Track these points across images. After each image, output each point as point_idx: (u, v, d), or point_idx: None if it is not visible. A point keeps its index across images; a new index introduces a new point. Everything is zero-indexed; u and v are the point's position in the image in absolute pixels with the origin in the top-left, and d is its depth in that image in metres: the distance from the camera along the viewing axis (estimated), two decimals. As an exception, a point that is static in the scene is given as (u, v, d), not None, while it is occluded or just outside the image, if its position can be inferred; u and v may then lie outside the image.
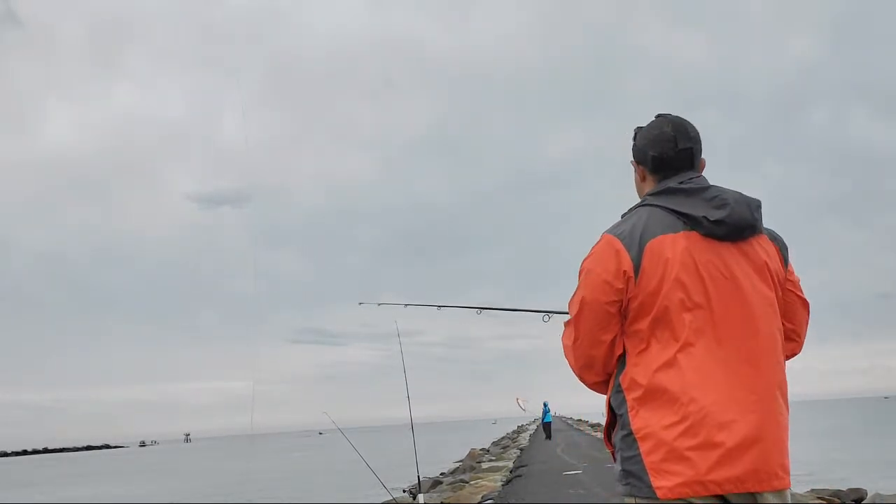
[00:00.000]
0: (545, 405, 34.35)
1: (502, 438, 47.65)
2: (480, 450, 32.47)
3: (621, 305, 1.92)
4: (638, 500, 1.85)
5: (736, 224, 1.92)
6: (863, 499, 13.17)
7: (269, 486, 28.18)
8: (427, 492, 16.24)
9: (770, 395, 1.85)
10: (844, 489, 13.72)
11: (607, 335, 1.95)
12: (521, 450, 27.73)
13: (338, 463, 37.03)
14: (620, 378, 1.93)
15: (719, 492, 1.76)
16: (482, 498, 12.51)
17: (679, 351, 1.86)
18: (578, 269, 2.01)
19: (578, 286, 1.99)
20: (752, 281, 1.92)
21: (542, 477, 14.16)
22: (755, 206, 1.97)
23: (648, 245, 1.90)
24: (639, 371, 1.89)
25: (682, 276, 1.87)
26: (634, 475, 1.85)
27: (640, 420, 1.87)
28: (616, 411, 1.95)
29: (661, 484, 1.79)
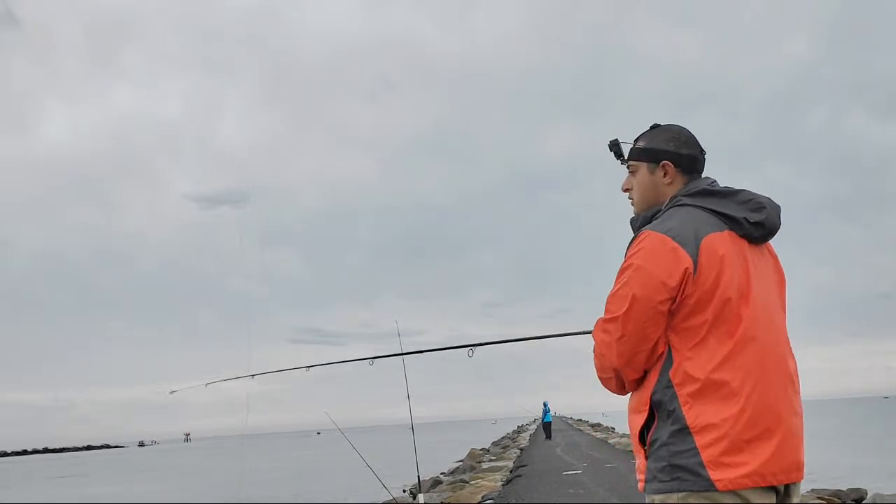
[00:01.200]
0: (545, 405, 34.35)
1: (502, 438, 47.68)
2: (480, 450, 32.48)
3: (672, 303, 1.93)
4: (681, 497, 1.85)
5: (771, 228, 2.06)
6: (863, 499, 13.17)
7: (269, 486, 28.18)
8: (427, 492, 16.24)
9: (797, 393, 2.00)
10: (844, 489, 13.72)
11: (656, 332, 1.94)
12: (522, 450, 27.76)
13: (338, 463, 37.04)
14: (671, 373, 1.92)
15: (773, 482, 1.85)
16: (482, 498, 12.52)
17: (736, 345, 1.91)
18: (623, 264, 1.99)
19: (625, 282, 1.95)
20: (774, 282, 2.08)
21: (542, 477, 14.17)
22: (779, 211, 2.09)
23: (704, 241, 1.94)
24: (694, 365, 1.90)
25: (736, 273, 1.95)
26: (686, 469, 1.85)
27: (696, 414, 1.88)
28: (662, 408, 1.92)
29: (721, 476, 1.83)
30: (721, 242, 1.96)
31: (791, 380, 1.98)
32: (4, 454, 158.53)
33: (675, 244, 1.93)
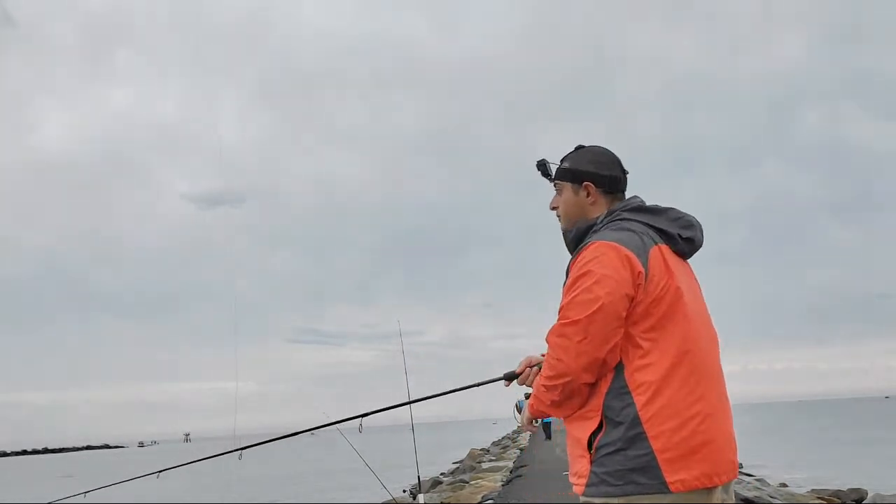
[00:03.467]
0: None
1: (502, 438, 47.66)
2: (480, 450, 32.47)
3: (627, 310, 2.01)
4: (627, 500, 1.92)
5: (698, 244, 2.22)
6: (863, 499, 13.18)
7: (269, 486, 28.18)
8: (427, 492, 16.24)
9: (727, 399, 2.13)
10: (844, 489, 13.74)
11: (615, 338, 2.00)
12: (521, 450, 27.76)
13: (337, 463, 37.02)
14: (627, 379, 1.99)
15: (717, 482, 1.97)
16: (482, 498, 12.52)
17: (682, 353, 2.01)
18: (578, 273, 2.05)
19: (586, 288, 2.01)
20: (700, 294, 2.22)
21: (542, 477, 14.16)
22: (702, 229, 2.24)
23: (651, 252, 2.06)
24: (647, 373, 1.99)
25: (679, 284, 2.06)
26: (641, 472, 1.92)
27: (650, 419, 1.95)
28: (613, 413, 1.99)
29: (675, 479, 1.92)
30: (664, 254, 2.09)
31: (724, 384, 2.13)
32: (4, 454, 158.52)
33: (628, 252, 2.02)
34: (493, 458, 27.18)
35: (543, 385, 2.09)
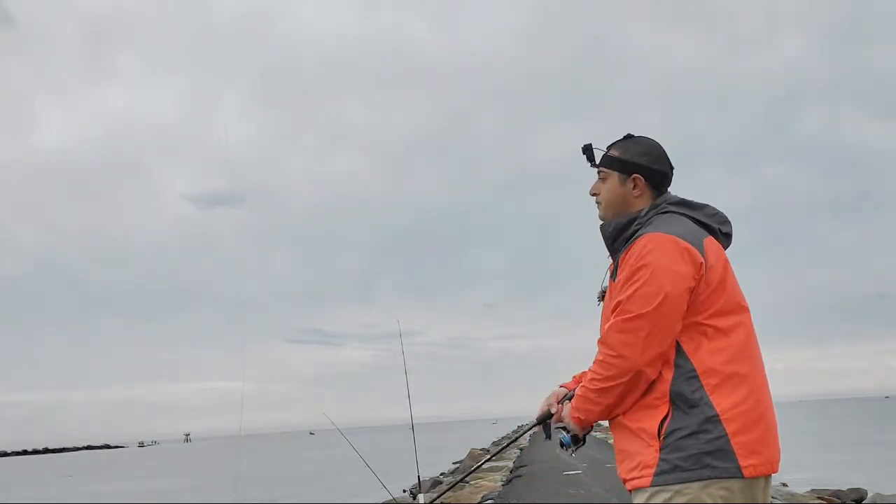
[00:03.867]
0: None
1: (502, 438, 47.68)
2: (480, 450, 32.47)
3: (687, 302, 2.01)
4: (702, 486, 1.89)
5: (731, 240, 2.24)
6: (863, 499, 13.19)
7: (269, 486, 28.19)
8: (427, 492, 16.24)
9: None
10: (844, 489, 13.74)
11: (677, 328, 1.99)
12: (521, 450, 27.75)
13: (337, 463, 37.04)
14: (695, 364, 1.98)
15: (773, 471, 1.98)
16: (482, 498, 12.51)
17: (740, 341, 2.02)
18: (636, 265, 2.01)
19: (647, 281, 1.98)
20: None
21: (542, 477, 14.16)
22: None
23: (705, 243, 2.07)
24: (715, 357, 1.98)
25: (731, 273, 2.10)
26: (715, 455, 1.89)
27: (722, 403, 1.94)
28: (683, 399, 1.95)
29: (748, 463, 1.91)
30: (715, 245, 2.11)
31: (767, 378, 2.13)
32: (4, 454, 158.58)
33: (687, 244, 2.01)
34: (494, 458, 27.14)
35: (598, 389, 2.03)
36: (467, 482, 16.19)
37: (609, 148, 2.28)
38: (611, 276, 2.23)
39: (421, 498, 8.19)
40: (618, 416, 2.06)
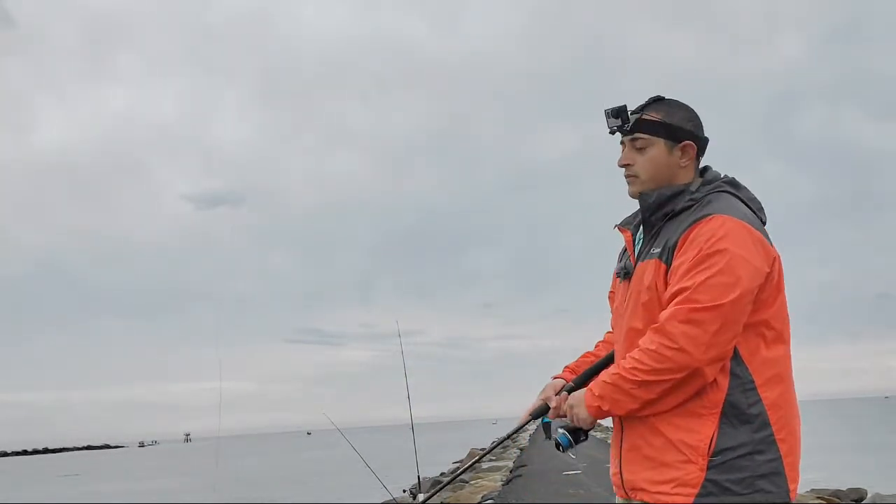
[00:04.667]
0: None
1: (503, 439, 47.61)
2: (480, 450, 32.47)
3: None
4: None
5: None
6: (863, 499, 13.18)
7: (269, 486, 28.19)
8: (427, 492, 16.23)
9: None
10: (844, 489, 13.73)
11: (742, 326, 1.76)
12: (521, 450, 27.76)
13: (337, 463, 37.03)
14: (753, 372, 1.75)
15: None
16: (482, 498, 12.52)
17: (788, 347, 1.83)
18: (710, 250, 1.74)
19: (722, 269, 1.72)
20: None
21: (542, 477, 14.16)
22: None
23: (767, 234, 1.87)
24: (775, 365, 1.78)
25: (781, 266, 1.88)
26: (768, 478, 1.71)
27: (778, 419, 1.75)
28: (739, 412, 1.73)
29: (794, 486, 1.74)
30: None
31: None
32: (4, 454, 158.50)
33: (759, 234, 1.80)
34: (493, 458, 27.17)
35: (640, 381, 1.74)
36: (467, 482, 16.19)
37: (642, 110, 1.97)
38: (633, 252, 1.99)
39: (421, 498, 8.18)
40: (650, 416, 1.80)
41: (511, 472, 17.60)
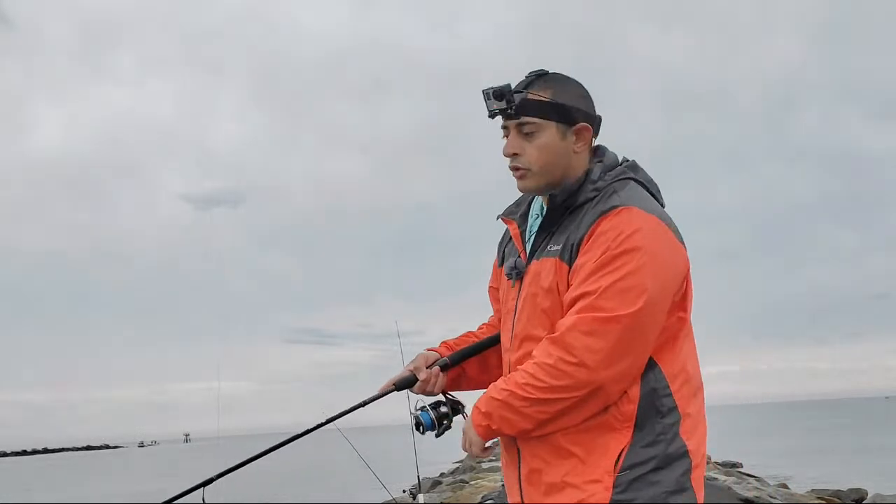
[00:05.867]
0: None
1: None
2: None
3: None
4: None
5: None
6: (863, 499, 13.18)
7: (268, 486, 28.18)
8: (427, 492, 16.23)
9: None
10: (844, 489, 13.72)
11: (655, 336, 1.54)
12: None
13: (337, 463, 37.02)
14: (669, 379, 1.55)
15: None
16: (482, 498, 12.51)
17: (694, 352, 1.66)
18: (619, 248, 1.50)
19: (631, 271, 1.48)
20: None
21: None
22: None
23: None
24: (686, 373, 1.59)
25: None
26: (679, 494, 1.52)
27: (692, 430, 1.57)
28: (652, 424, 1.53)
29: (701, 501, 1.57)
30: None
31: None
32: (4, 454, 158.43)
33: (673, 234, 1.57)
34: (494, 458, 27.12)
35: (534, 398, 1.51)
36: (467, 482, 16.19)
37: (526, 89, 1.63)
38: (524, 247, 1.72)
39: (421, 498, 8.20)
40: (550, 434, 1.55)
41: (511, 472, 17.58)
